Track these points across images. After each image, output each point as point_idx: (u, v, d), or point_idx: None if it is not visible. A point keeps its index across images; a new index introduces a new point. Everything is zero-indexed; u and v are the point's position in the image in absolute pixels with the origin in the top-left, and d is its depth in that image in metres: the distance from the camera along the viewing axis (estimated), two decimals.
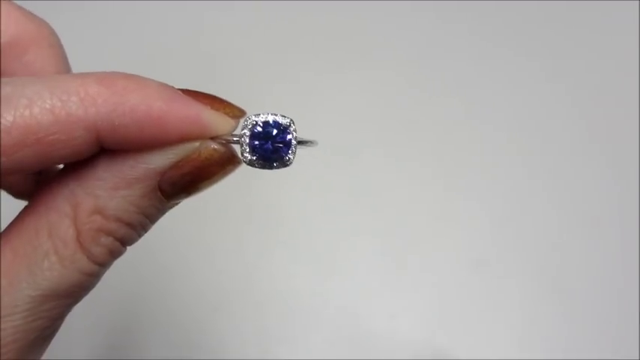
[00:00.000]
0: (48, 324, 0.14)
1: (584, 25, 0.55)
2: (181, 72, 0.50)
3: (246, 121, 0.17)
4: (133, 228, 0.15)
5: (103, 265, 0.15)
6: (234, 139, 0.16)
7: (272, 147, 0.16)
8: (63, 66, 0.19)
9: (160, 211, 0.16)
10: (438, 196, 0.45)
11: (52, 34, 0.18)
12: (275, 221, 0.43)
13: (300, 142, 0.17)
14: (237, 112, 0.16)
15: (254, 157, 0.16)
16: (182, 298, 0.40)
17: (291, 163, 0.17)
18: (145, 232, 0.17)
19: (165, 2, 0.55)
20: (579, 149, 0.48)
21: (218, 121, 0.16)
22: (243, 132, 0.16)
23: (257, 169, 0.17)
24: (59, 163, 0.14)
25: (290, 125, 0.17)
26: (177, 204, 0.17)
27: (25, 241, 0.13)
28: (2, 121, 0.12)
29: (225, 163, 0.16)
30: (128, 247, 0.17)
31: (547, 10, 0.55)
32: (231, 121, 0.16)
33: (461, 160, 0.47)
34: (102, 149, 0.14)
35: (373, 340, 0.39)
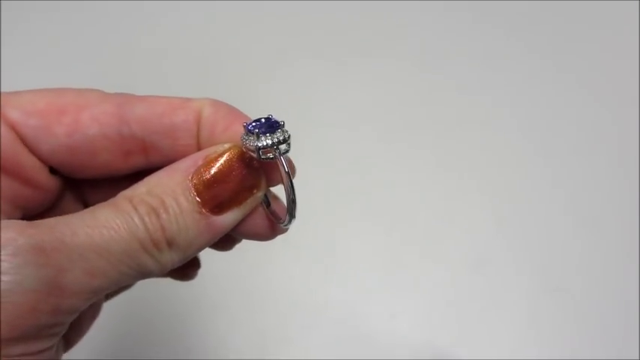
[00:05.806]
0: None
1: (585, 26, 0.55)
2: (183, 71, 0.50)
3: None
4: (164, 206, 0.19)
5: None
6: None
7: (266, 124, 0.19)
8: None
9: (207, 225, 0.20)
10: (438, 196, 0.45)
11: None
12: None
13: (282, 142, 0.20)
14: None
15: (258, 132, 0.19)
16: (182, 298, 0.40)
17: (283, 140, 0.19)
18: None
19: (165, 2, 0.55)
20: (580, 150, 0.48)
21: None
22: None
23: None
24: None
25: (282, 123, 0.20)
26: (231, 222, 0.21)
27: (121, 198, 0.19)
28: None
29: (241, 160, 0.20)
30: None
31: (552, 10, 0.55)
32: None
33: (461, 160, 0.47)
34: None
35: (373, 340, 0.39)
